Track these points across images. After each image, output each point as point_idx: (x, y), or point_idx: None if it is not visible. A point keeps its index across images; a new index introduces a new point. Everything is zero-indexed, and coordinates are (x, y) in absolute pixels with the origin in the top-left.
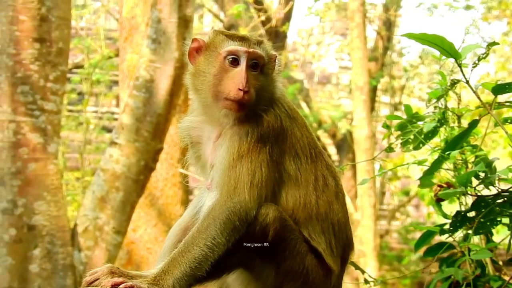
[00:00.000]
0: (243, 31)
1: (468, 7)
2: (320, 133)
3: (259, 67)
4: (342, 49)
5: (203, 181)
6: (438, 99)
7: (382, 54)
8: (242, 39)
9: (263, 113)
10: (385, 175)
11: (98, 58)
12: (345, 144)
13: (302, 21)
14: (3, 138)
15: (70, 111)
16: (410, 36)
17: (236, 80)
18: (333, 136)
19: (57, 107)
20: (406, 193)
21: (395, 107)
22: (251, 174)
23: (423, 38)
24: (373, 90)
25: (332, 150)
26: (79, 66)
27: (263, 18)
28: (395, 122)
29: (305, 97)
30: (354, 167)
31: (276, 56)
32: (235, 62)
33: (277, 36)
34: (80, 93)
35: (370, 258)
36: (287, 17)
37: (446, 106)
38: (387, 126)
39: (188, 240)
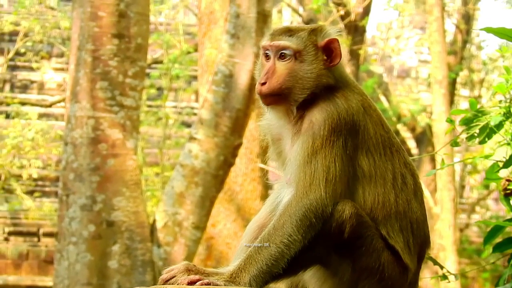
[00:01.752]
0: None
1: None
2: (400, 126)
3: (290, 56)
4: (421, 43)
5: (283, 177)
6: None
7: (461, 48)
8: (272, 33)
9: (329, 105)
10: (464, 168)
11: (177, 53)
12: (424, 138)
13: (381, 15)
14: (82, 134)
15: (149, 106)
16: (489, 30)
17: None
18: (412, 129)
19: (136, 102)
20: (486, 186)
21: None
22: (326, 170)
23: (502, 32)
24: (452, 83)
25: (411, 144)
26: (158, 62)
27: (342, 12)
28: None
29: (384, 91)
30: (433, 161)
31: (328, 43)
32: (268, 56)
33: (356, 31)
34: (159, 88)
35: (449, 252)
36: (366, 11)
37: (511, 100)
38: (450, 121)
39: (264, 237)
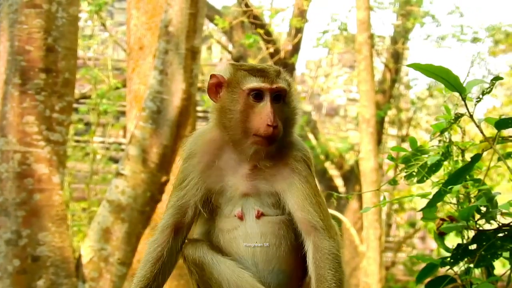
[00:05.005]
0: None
1: (475, 40)
2: (327, 164)
3: (282, 98)
4: (350, 81)
5: (227, 210)
6: (442, 133)
7: (390, 87)
8: (264, 74)
9: (300, 144)
10: (391, 206)
11: (105, 89)
12: (352, 176)
13: (311, 53)
14: (8, 169)
15: (77, 141)
16: (416, 66)
17: (263, 116)
18: (340, 168)
19: (63, 137)
20: (412, 225)
21: (402, 139)
22: (324, 206)
23: (429, 70)
24: (381, 122)
25: (339, 182)
26: (86, 97)
27: (271, 50)
28: (402, 154)
29: (312, 128)
30: (360, 199)
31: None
32: (258, 97)
33: (286, 68)
34: (87, 124)
35: None
36: (296, 49)
37: (450, 140)
38: (392, 158)
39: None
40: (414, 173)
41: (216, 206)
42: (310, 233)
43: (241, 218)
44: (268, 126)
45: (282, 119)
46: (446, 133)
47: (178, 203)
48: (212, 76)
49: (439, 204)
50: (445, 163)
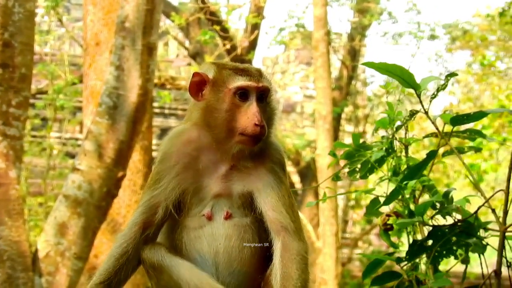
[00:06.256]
0: (208, 59)
1: (432, 37)
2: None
3: (265, 98)
4: (307, 78)
5: (197, 210)
6: (397, 129)
7: (346, 83)
8: (249, 73)
9: (276, 145)
10: (347, 203)
11: (62, 84)
12: (308, 172)
13: (268, 50)
14: None
15: (33, 136)
16: (370, 65)
17: (250, 115)
18: (297, 164)
19: (19, 132)
20: (369, 221)
21: None
22: (295, 208)
23: (383, 68)
24: (337, 119)
25: (295, 178)
26: (43, 92)
27: (228, 46)
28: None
29: None
30: (316, 195)
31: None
32: (244, 96)
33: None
34: (44, 119)
35: (331, 286)
36: (252, 45)
37: (393, 136)
38: (333, 154)
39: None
40: (357, 169)
41: (187, 206)
42: (279, 233)
43: (209, 218)
44: (256, 126)
45: (265, 119)
46: (389, 129)
47: (149, 202)
48: (195, 74)
49: (381, 199)
50: (389, 159)
